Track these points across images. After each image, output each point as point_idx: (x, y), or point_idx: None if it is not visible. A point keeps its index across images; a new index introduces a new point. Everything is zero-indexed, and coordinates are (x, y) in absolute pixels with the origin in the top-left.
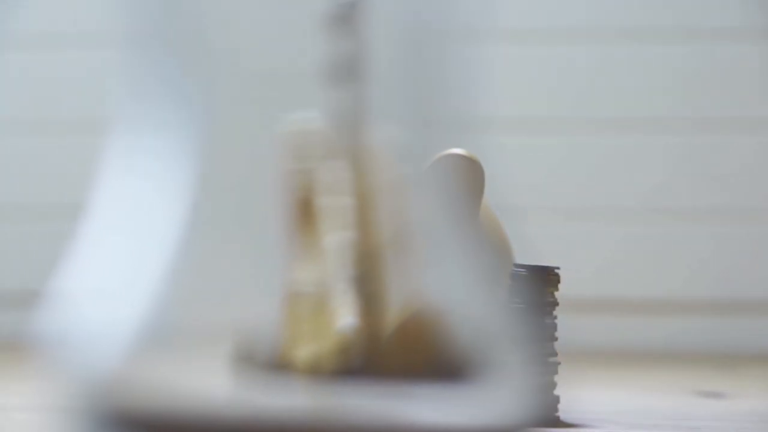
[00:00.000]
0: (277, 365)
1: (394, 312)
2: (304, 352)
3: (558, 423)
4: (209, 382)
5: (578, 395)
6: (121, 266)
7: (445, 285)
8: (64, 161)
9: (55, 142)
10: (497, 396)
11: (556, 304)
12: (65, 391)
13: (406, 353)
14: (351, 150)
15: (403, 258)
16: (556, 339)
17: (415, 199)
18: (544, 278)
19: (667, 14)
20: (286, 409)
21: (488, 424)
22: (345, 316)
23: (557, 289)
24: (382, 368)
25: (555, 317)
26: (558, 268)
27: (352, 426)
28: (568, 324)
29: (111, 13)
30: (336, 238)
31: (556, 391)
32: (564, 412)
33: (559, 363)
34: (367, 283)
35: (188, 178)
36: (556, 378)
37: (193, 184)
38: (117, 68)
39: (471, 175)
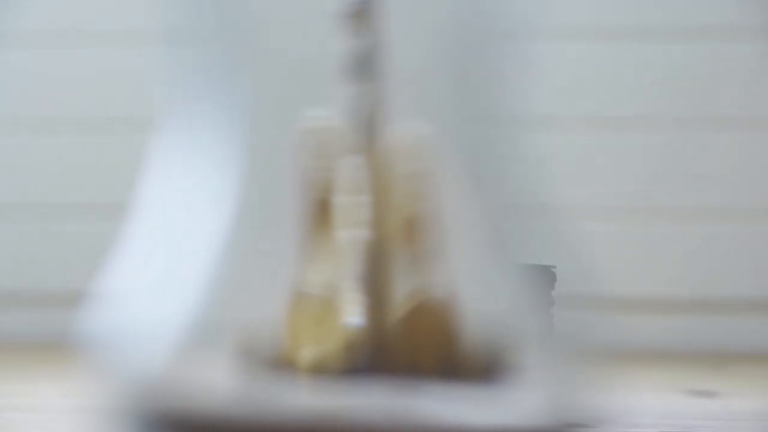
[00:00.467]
0: (280, 364)
1: (401, 304)
2: (309, 352)
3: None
4: (252, 384)
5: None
6: (166, 266)
7: (470, 279)
8: (70, 160)
9: (59, 141)
10: (526, 396)
11: (553, 302)
12: (109, 391)
13: (412, 343)
14: (368, 146)
15: (415, 249)
16: None
17: (437, 192)
18: (542, 277)
19: (654, 12)
20: (329, 411)
21: (518, 425)
22: (351, 315)
23: (554, 288)
24: (390, 363)
25: (552, 316)
26: (555, 266)
27: (394, 426)
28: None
29: (121, 11)
30: (348, 235)
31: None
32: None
33: None
34: (375, 280)
35: (233, 175)
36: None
37: (237, 182)
38: (161, 65)
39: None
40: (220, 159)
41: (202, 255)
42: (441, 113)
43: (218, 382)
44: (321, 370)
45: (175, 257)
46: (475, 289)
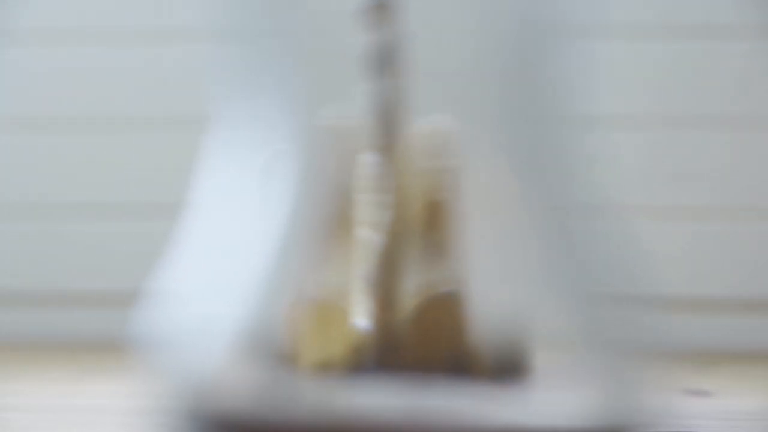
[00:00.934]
0: (300, 366)
1: (412, 299)
2: (316, 351)
3: None
4: (305, 385)
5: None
6: (218, 267)
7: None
8: (70, 160)
9: (59, 140)
10: (550, 396)
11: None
12: (160, 391)
13: (423, 339)
14: (387, 142)
15: (430, 243)
16: None
17: (457, 186)
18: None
19: (647, 10)
20: (383, 410)
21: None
22: (359, 318)
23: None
24: (403, 361)
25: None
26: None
27: (435, 427)
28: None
29: (122, 9)
30: (364, 234)
31: None
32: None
33: None
34: (386, 280)
35: (288, 174)
36: None
37: (292, 181)
38: (213, 63)
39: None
40: (272, 157)
41: (255, 256)
42: (491, 111)
43: (255, 384)
44: (335, 370)
45: (228, 258)
46: (509, 288)
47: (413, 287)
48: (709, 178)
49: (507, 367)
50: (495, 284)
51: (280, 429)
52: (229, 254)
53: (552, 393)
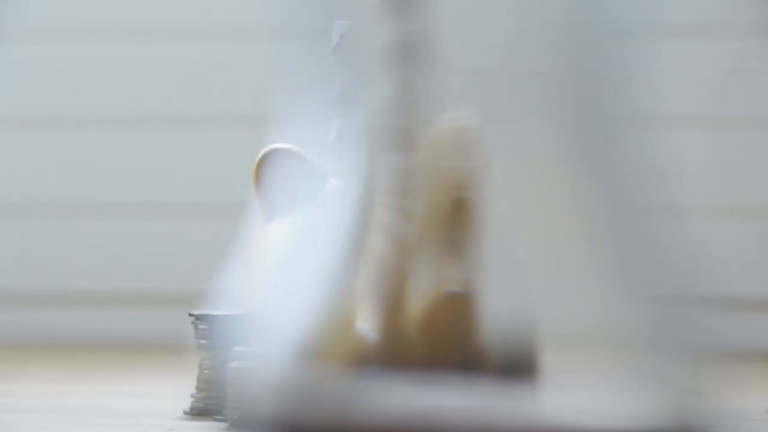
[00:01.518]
0: (312, 365)
1: (424, 297)
2: (329, 355)
3: None
4: (321, 387)
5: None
6: (290, 269)
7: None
8: (71, 160)
9: (60, 140)
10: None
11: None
12: (223, 393)
13: (432, 337)
14: (407, 139)
15: (447, 241)
16: None
17: (480, 184)
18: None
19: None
20: (397, 410)
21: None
22: (365, 321)
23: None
24: (409, 360)
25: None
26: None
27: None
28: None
29: (124, 8)
30: (380, 237)
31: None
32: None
33: None
34: (392, 285)
35: (355, 178)
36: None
37: (358, 186)
38: (274, 63)
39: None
40: (336, 156)
41: (321, 256)
42: (539, 109)
43: (294, 385)
44: (347, 371)
45: (294, 258)
46: (524, 287)
47: (426, 286)
48: (696, 177)
49: (517, 367)
50: (511, 284)
51: (301, 429)
52: (299, 254)
53: (562, 393)
